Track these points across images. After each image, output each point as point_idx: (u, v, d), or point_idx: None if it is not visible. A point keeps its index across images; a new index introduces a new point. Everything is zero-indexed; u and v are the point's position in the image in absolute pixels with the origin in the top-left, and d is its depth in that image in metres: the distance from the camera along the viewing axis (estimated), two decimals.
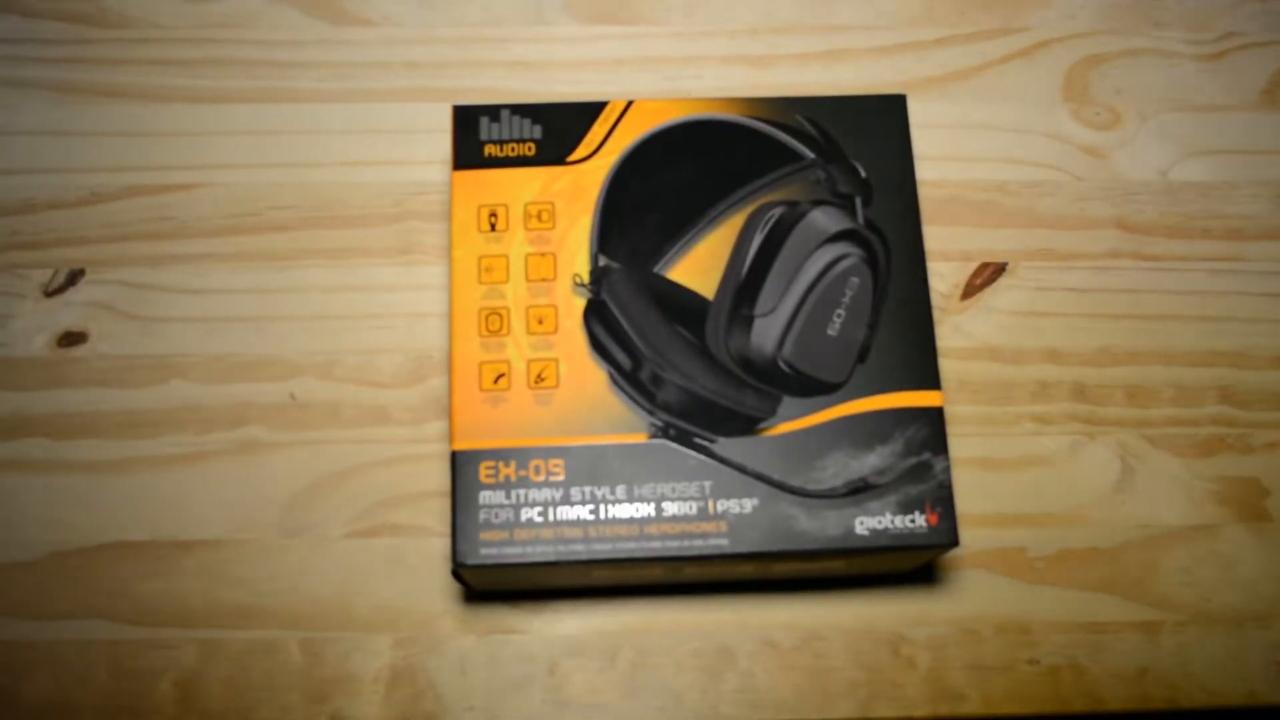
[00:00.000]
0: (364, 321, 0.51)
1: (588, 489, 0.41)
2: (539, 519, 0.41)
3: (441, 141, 0.53)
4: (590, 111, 0.46)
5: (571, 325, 0.43)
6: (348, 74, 0.54)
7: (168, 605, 0.47)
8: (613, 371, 0.43)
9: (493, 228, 0.44)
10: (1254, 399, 0.51)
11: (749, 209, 0.45)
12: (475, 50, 0.55)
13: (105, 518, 0.48)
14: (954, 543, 0.41)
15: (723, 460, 0.42)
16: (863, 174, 0.45)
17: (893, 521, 0.41)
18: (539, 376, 0.43)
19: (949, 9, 0.57)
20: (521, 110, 0.46)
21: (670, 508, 0.41)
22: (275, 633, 0.46)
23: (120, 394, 0.49)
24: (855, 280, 0.44)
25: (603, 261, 0.44)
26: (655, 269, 0.44)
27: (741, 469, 0.42)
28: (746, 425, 0.42)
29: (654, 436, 0.42)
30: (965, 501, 0.49)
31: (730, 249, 0.44)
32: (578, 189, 0.45)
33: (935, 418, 0.43)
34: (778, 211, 0.44)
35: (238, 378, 0.50)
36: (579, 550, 0.41)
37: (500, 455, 0.42)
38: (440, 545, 0.48)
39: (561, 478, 0.42)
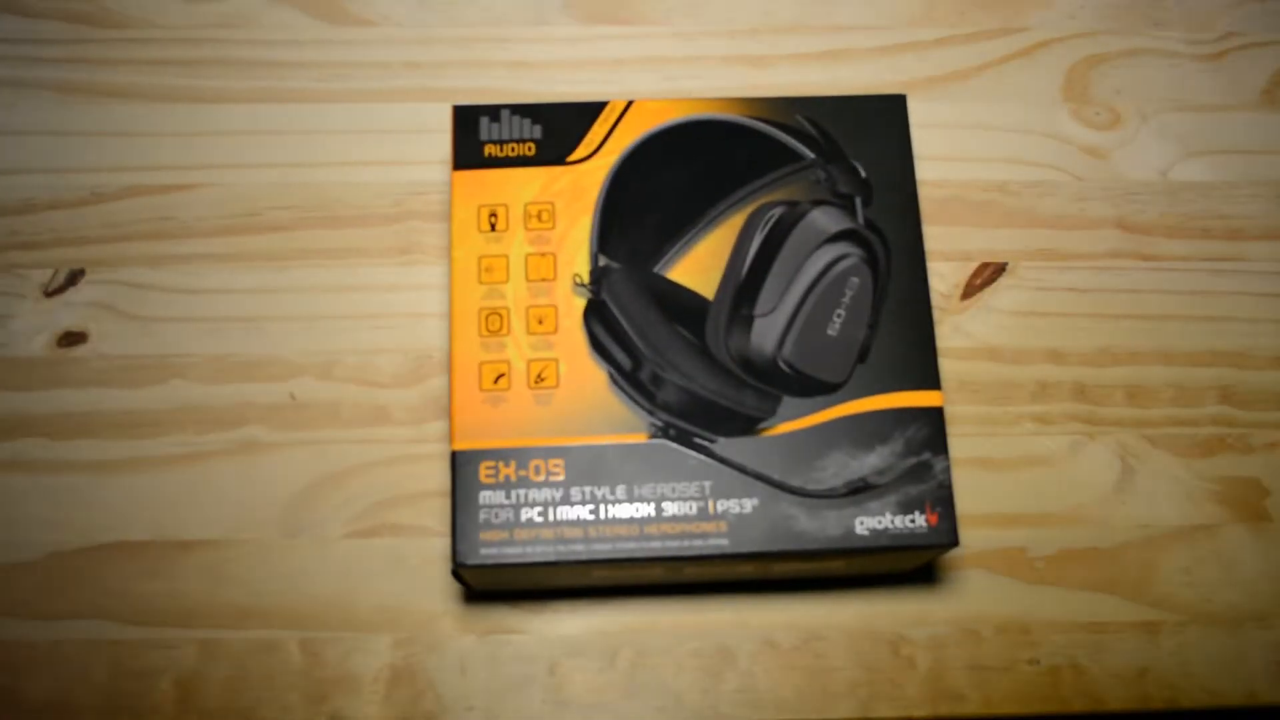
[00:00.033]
0: (364, 321, 0.51)
1: (588, 489, 0.41)
2: (539, 519, 0.41)
3: (441, 141, 0.53)
4: (590, 111, 0.46)
5: (571, 325, 0.43)
6: (348, 74, 0.54)
7: (168, 605, 0.47)
8: (613, 371, 0.43)
9: (493, 228, 0.44)
10: (1254, 399, 0.51)
11: (749, 209, 0.45)
12: (475, 50, 0.55)
13: (105, 518, 0.48)
14: (954, 543, 0.41)
15: (723, 460, 0.42)
16: (863, 174, 0.45)
17: (893, 521, 0.41)
18: (539, 376, 0.43)
19: (949, 9, 0.57)
20: (521, 110, 0.46)
21: (670, 508, 0.41)
22: (275, 633, 0.46)
23: (120, 394, 0.49)
24: (855, 280, 0.44)
25: (603, 261, 0.44)
26: (655, 269, 0.44)
27: (741, 469, 0.42)
28: (746, 425, 0.42)
29: (654, 436, 0.42)
30: (965, 501, 0.49)
31: (730, 249, 0.44)
32: (578, 189, 0.45)
33: (935, 418, 0.43)
34: (778, 211, 0.44)
35: (237, 378, 0.50)
36: (579, 550, 0.41)
37: (500, 455, 0.42)
38: (440, 545, 0.48)
39: (561, 478, 0.42)
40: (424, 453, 0.49)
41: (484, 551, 0.41)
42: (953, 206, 0.53)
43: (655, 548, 0.41)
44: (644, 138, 0.46)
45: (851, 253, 0.44)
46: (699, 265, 0.44)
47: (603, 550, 0.41)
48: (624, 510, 0.41)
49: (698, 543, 0.41)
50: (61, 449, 0.48)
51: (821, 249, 0.44)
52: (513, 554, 0.41)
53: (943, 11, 0.57)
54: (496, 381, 0.43)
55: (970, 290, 0.52)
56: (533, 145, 0.46)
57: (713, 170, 0.45)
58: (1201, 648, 0.47)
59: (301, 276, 0.51)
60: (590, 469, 0.42)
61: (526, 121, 0.46)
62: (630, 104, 0.46)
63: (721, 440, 0.42)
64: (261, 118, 0.53)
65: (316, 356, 0.50)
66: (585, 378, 0.43)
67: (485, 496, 0.41)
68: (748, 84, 0.55)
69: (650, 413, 0.42)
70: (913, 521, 0.41)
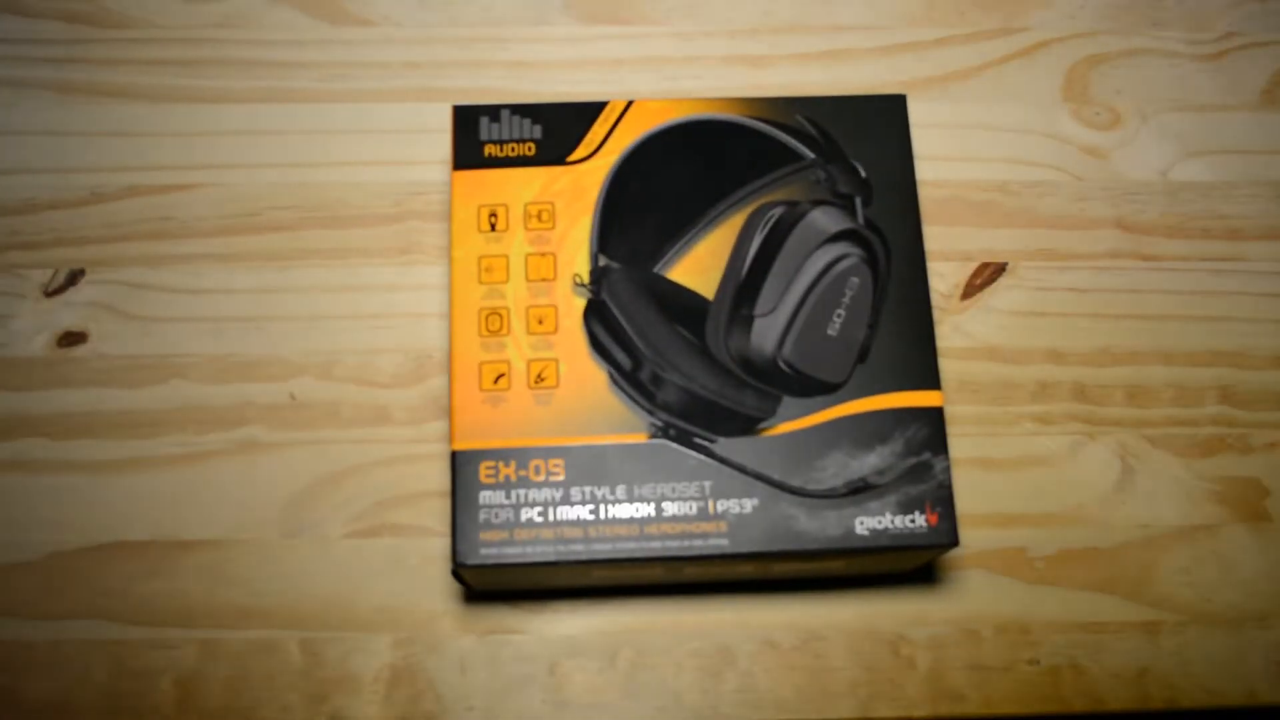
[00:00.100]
0: (364, 321, 0.51)
1: (588, 489, 0.41)
2: (539, 519, 0.41)
3: (441, 141, 0.53)
4: (590, 111, 0.46)
5: (571, 325, 0.43)
6: (348, 74, 0.54)
7: (168, 605, 0.47)
8: (613, 371, 0.43)
9: (493, 228, 0.44)
10: (1254, 399, 0.51)
11: (749, 209, 0.45)
12: (475, 50, 0.55)
13: (105, 518, 0.48)
14: (954, 543, 0.41)
15: (723, 460, 0.42)
16: (863, 174, 0.45)
17: (893, 521, 0.41)
18: (539, 376, 0.43)
19: (949, 9, 0.57)
20: (521, 110, 0.46)
21: (670, 508, 0.41)
22: (275, 633, 0.46)
23: (120, 394, 0.49)
24: (855, 280, 0.44)
25: (603, 261, 0.44)
26: (655, 269, 0.44)
27: (741, 469, 0.42)
28: (746, 425, 0.42)
29: (654, 436, 0.42)
30: (965, 501, 0.49)
31: (730, 249, 0.44)
32: (578, 189, 0.45)
33: (935, 418, 0.43)
34: (778, 211, 0.44)
35: (237, 378, 0.50)
36: (579, 550, 0.41)
37: (500, 455, 0.42)
38: (440, 545, 0.48)
39: (561, 478, 0.42)
40: (424, 453, 0.49)
41: (484, 551, 0.41)
42: (953, 206, 0.53)
43: (655, 548, 0.41)
44: (644, 138, 0.46)
45: (851, 253, 0.44)
46: (699, 265, 0.44)
47: (603, 550, 0.41)
48: (624, 510, 0.41)
49: (698, 543, 0.41)
50: (61, 449, 0.48)
51: (821, 249, 0.44)
52: (513, 554, 0.41)
53: (943, 11, 0.57)
54: (496, 381, 0.43)
55: (970, 290, 0.52)
56: (533, 145, 0.46)
57: (713, 170, 0.45)
58: (1201, 648, 0.47)
59: (302, 276, 0.51)
60: (590, 469, 0.42)
61: (526, 121, 0.46)
62: (630, 104, 0.46)
63: (721, 440, 0.42)
64: (261, 118, 0.53)
65: (316, 356, 0.50)
66: (585, 378, 0.43)
67: (485, 496, 0.41)
68: (748, 84, 0.55)
69: (650, 413, 0.42)
70: (913, 521, 0.41)
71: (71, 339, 0.50)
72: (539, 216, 0.45)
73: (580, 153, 0.45)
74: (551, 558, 0.41)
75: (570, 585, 0.46)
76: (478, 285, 0.44)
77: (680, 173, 0.45)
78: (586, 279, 0.44)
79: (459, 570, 0.41)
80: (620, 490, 0.41)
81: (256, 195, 0.52)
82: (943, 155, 0.54)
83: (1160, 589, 0.48)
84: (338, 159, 0.53)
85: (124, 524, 0.48)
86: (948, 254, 0.52)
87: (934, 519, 0.41)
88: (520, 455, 0.42)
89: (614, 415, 0.42)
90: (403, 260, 0.51)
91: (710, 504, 0.41)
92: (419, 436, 0.49)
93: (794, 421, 0.42)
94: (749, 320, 0.43)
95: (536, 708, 0.46)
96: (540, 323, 0.43)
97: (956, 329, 0.51)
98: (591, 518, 0.41)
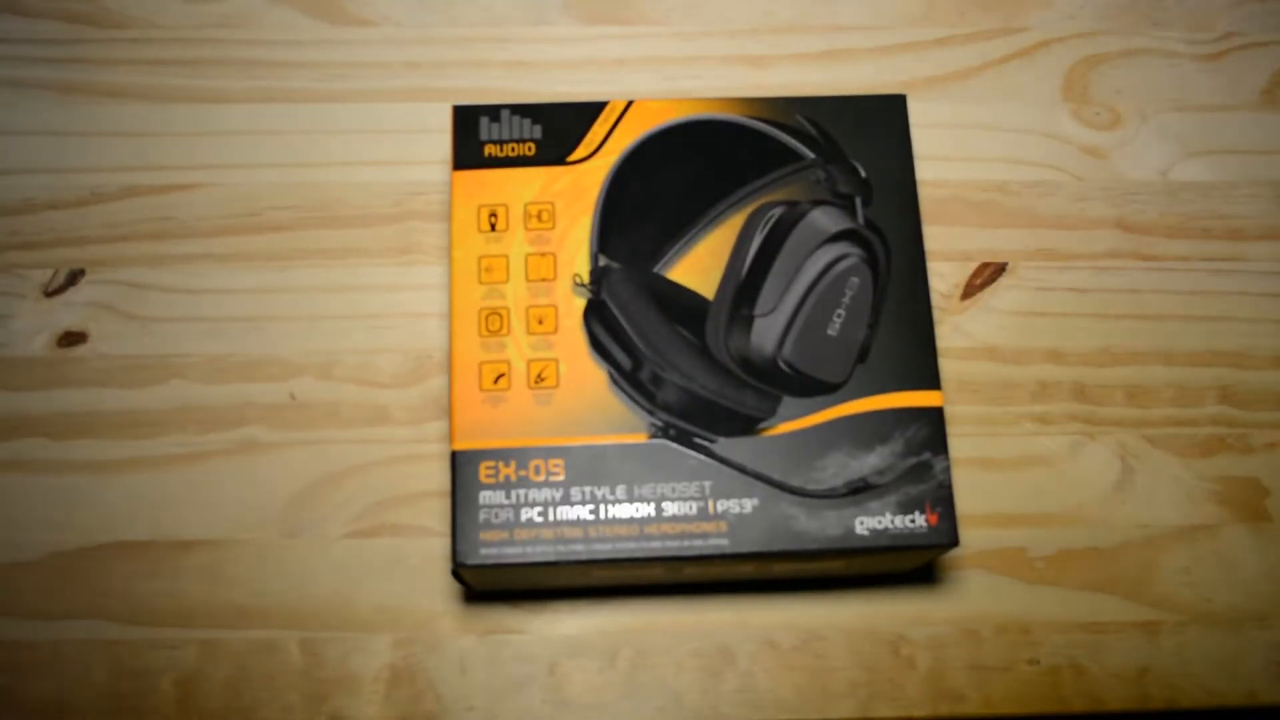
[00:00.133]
0: (364, 321, 0.51)
1: (588, 489, 0.41)
2: (539, 519, 0.41)
3: (441, 141, 0.53)
4: (590, 111, 0.46)
5: (571, 325, 0.43)
6: (348, 74, 0.54)
7: (168, 605, 0.47)
8: (613, 371, 0.43)
9: (493, 228, 0.44)
10: (1254, 399, 0.51)
11: (749, 209, 0.45)
12: (475, 50, 0.55)
13: (105, 518, 0.48)
14: (954, 543, 0.41)
15: (723, 460, 0.42)
16: (863, 174, 0.45)
17: (893, 521, 0.41)
18: (539, 376, 0.43)
19: (949, 9, 0.57)
20: (521, 110, 0.46)
21: (670, 508, 0.41)
22: (275, 633, 0.46)
23: (120, 394, 0.49)
24: (855, 280, 0.44)
25: (603, 261, 0.44)
26: (655, 269, 0.44)
27: (741, 469, 0.42)
28: (746, 425, 0.42)
29: (654, 436, 0.42)
30: (965, 501, 0.49)
31: (730, 249, 0.44)
32: (578, 189, 0.45)
33: (935, 418, 0.43)
34: (778, 211, 0.44)
35: (237, 378, 0.50)
36: (579, 550, 0.41)
37: (500, 455, 0.42)
38: (440, 545, 0.48)
39: (561, 478, 0.42)
40: (424, 453, 0.49)
41: (484, 551, 0.41)
42: (953, 206, 0.53)
43: (655, 548, 0.41)
44: (644, 138, 0.46)
45: (851, 253, 0.44)
46: (699, 265, 0.44)
47: (603, 550, 0.41)
48: (624, 510, 0.41)
49: (698, 543, 0.41)
50: (61, 449, 0.48)
51: (821, 249, 0.44)
52: (513, 554, 0.41)
53: (943, 11, 0.57)
54: (496, 381, 0.43)
55: (970, 290, 0.52)
56: (533, 145, 0.46)
57: (713, 170, 0.45)
58: (1201, 648, 0.47)
59: (302, 276, 0.51)
60: (590, 469, 0.42)
61: (526, 121, 0.46)
62: (630, 104, 0.46)
63: (721, 440, 0.42)
64: (261, 118, 0.53)
65: (316, 356, 0.50)
66: (585, 378, 0.43)
67: (485, 496, 0.41)
68: (748, 84, 0.55)
69: (650, 413, 0.42)
70: (913, 521, 0.41)
71: (71, 339, 0.50)
72: (539, 216, 0.45)
73: (580, 153, 0.45)
74: (551, 558, 0.41)
75: (570, 585, 0.46)
76: (478, 285, 0.44)
77: (680, 173, 0.45)
78: (586, 279, 0.44)
79: (459, 570, 0.41)
80: (620, 490, 0.41)
81: (256, 195, 0.52)
82: (943, 155, 0.54)
83: (1160, 589, 0.48)
84: (338, 159, 0.53)
85: (124, 524, 0.48)
86: (948, 254, 0.52)
87: (934, 519, 0.41)
88: (520, 455, 0.42)
89: (614, 415, 0.42)
90: (403, 260, 0.51)
91: (710, 504, 0.41)
92: (419, 436, 0.49)
93: (794, 421, 0.42)
94: (749, 320, 0.43)
95: (536, 708, 0.46)
96: (540, 323, 0.43)
97: (956, 329, 0.51)
98: (591, 518, 0.41)
